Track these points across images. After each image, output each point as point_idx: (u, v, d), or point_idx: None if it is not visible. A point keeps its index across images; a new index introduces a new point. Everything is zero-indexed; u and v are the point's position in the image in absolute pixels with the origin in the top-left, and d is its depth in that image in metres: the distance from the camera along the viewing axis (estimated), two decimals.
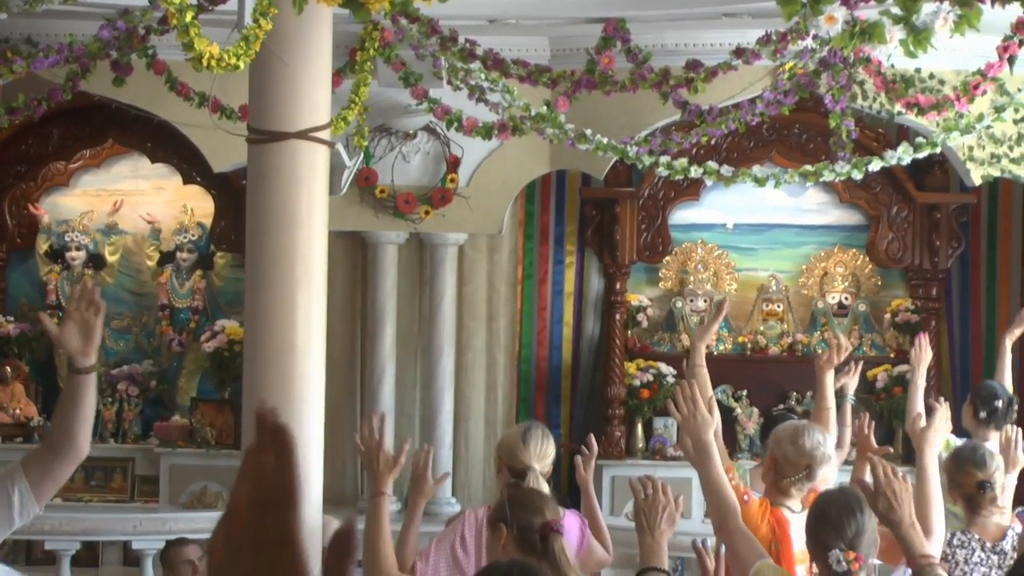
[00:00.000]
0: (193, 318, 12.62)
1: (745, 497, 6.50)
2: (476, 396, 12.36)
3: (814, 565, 5.58)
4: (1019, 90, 9.95)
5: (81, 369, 4.60)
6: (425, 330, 12.06)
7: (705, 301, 13.29)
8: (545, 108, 9.35)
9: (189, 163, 11.69)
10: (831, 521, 4.90)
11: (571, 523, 6.49)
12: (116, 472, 12.72)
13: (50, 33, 9.43)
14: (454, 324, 11.96)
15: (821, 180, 10.39)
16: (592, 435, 6.80)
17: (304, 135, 6.47)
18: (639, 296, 13.28)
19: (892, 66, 9.44)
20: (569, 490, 11.45)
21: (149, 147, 12.08)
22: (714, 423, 5.89)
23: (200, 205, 12.49)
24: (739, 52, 9.13)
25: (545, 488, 6.37)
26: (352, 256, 11.82)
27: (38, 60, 8.82)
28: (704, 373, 6.98)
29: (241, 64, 6.29)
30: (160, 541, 10.46)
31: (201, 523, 10.76)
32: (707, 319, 7.94)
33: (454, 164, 11.11)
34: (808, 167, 10.02)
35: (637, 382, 12.32)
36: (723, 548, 5.91)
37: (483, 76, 9.05)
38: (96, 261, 12.65)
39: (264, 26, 6.29)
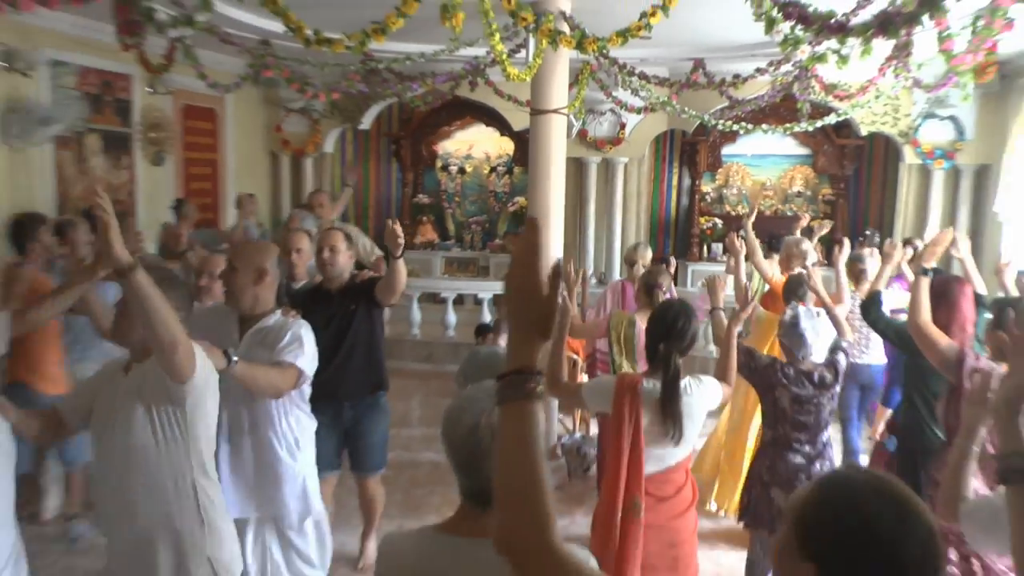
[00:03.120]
0: (504, 195, 13.29)
1: None
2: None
3: None
4: None
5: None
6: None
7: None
8: (666, 98, 9.30)
9: (501, 125, 12.12)
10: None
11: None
12: None
13: (437, 71, 8.79)
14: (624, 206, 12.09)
15: None
16: None
17: (556, 111, 6.90)
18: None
19: None
20: None
21: (484, 118, 12.50)
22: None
23: (507, 144, 12.99)
24: None
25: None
26: (576, 169, 11.51)
27: (438, 78, 8.68)
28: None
29: (527, 78, 6.59)
30: None
31: None
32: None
33: (623, 126, 11.60)
34: None
35: None
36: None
37: (637, 83, 8.89)
38: (461, 171, 13.41)
39: (538, 60, 6.39)
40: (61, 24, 8.38)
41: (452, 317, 10.93)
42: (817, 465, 4.27)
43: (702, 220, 12.35)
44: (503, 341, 8.76)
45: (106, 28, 6.83)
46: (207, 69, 7.80)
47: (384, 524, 6.13)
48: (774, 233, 10.53)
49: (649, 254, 7.16)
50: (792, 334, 4.31)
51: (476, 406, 1.98)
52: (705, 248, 12.29)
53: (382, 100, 11.35)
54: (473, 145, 13.22)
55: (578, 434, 7.64)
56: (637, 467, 3.64)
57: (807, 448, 4.24)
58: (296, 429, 4.18)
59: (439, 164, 13.31)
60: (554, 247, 7.19)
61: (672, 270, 5.95)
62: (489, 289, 11.18)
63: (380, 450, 5.45)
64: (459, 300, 11.42)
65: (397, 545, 2.10)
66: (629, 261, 7.14)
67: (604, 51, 6.16)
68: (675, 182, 12.72)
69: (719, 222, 12.34)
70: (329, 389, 5.03)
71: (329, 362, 4.99)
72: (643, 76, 8.58)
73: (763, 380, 4.31)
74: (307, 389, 4.20)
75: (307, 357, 3.99)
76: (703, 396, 3.86)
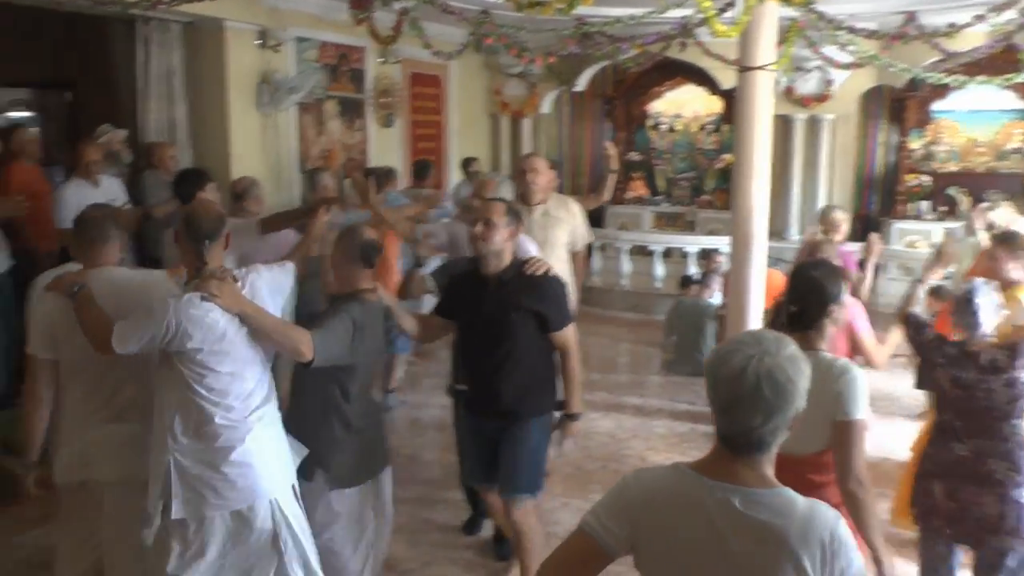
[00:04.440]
0: (712, 152, 12.76)
1: None
2: None
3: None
4: None
5: None
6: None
7: None
8: (874, 52, 8.41)
9: (711, 84, 11.50)
10: None
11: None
12: None
13: (647, 32, 8.52)
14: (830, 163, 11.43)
15: None
16: None
17: (763, 68, 6.45)
18: None
19: None
20: None
21: (694, 78, 11.98)
22: None
23: (716, 102, 12.41)
24: None
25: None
26: (781, 127, 10.66)
27: (647, 38, 8.23)
28: None
29: (735, 35, 6.17)
30: None
31: None
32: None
33: (829, 83, 10.89)
34: None
35: None
36: None
37: (845, 38, 8.04)
38: (671, 130, 12.99)
39: (746, 17, 5.84)
40: (305, 6, 8.94)
41: (660, 269, 10.99)
42: (992, 464, 3.45)
43: (909, 177, 11.33)
44: (707, 293, 8.75)
45: (343, 7, 7.21)
46: (432, 39, 7.98)
47: (589, 463, 6.16)
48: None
49: (838, 215, 6.46)
50: (965, 311, 3.61)
51: (746, 351, 1.87)
52: (911, 206, 11.18)
53: (595, 63, 11.19)
54: (683, 105, 12.87)
55: None
56: None
57: (974, 440, 3.49)
58: (177, 414, 3.26)
59: (650, 123, 13.07)
60: (758, 204, 6.55)
61: (880, 243, 5.07)
62: (695, 243, 11.05)
63: (529, 469, 4.06)
64: (667, 253, 11.28)
65: (645, 477, 2.04)
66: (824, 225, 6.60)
67: (811, 4, 5.77)
68: (882, 139, 11.69)
69: (926, 179, 11.28)
70: (474, 401, 4.16)
71: (477, 369, 4.10)
72: (852, 30, 7.81)
73: (925, 357, 3.71)
74: (212, 370, 3.21)
75: (132, 332, 3.14)
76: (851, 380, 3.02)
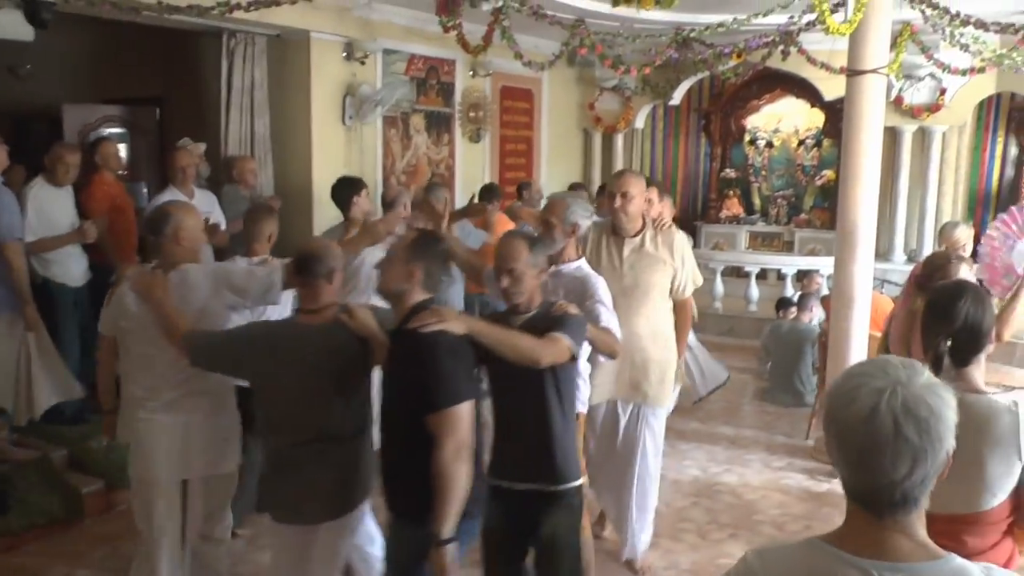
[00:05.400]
0: (811, 168, 12.03)
1: None
2: None
3: None
4: None
5: None
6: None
7: None
8: (1005, 51, 7.64)
9: (812, 96, 10.88)
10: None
11: None
12: None
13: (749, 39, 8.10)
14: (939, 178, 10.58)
15: None
16: None
17: (874, 71, 5.99)
18: None
19: None
20: None
21: (795, 90, 11.45)
22: None
23: (817, 116, 11.86)
24: None
25: None
26: (889, 140, 9.41)
27: (750, 42, 7.75)
28: None
29: (847, 32, 5.82)
30: None
31: None
32: None
33: (943, 91, 10.07)
34: None
35: None
36: None
37: (970, 36, 7.31)
38: (769, 145, 12.31)
39: (859, 14, 5.69)
40: (396, 17, 8.74)
41: (755, 291, 10.46)
42: None
43: None
44: (805, 317, 8.28)
45: (433, 19, 6.85)
46: (524, 51, 7.75)
47: (679, 499, 5.77)
48: None
49: (961, 233, 5.82)
50: None
51: (873, 383, 1.54)
52: None
53: (692, 75, 10.80)
54: (782, 119, 12.32)
55: None
56: None
57: None
58: None
59: (747, 138, 12.53)
60: (865, 221, 6.20)
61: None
62: (793, 264, 10.62)
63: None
64: (762, 275, 10.88)
65: (772, 559, 1.67)
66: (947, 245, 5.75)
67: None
68: (999, 151, 10.85)
69: None
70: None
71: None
72: (980, 24, 7.03)
73: None
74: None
75: None
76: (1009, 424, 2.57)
